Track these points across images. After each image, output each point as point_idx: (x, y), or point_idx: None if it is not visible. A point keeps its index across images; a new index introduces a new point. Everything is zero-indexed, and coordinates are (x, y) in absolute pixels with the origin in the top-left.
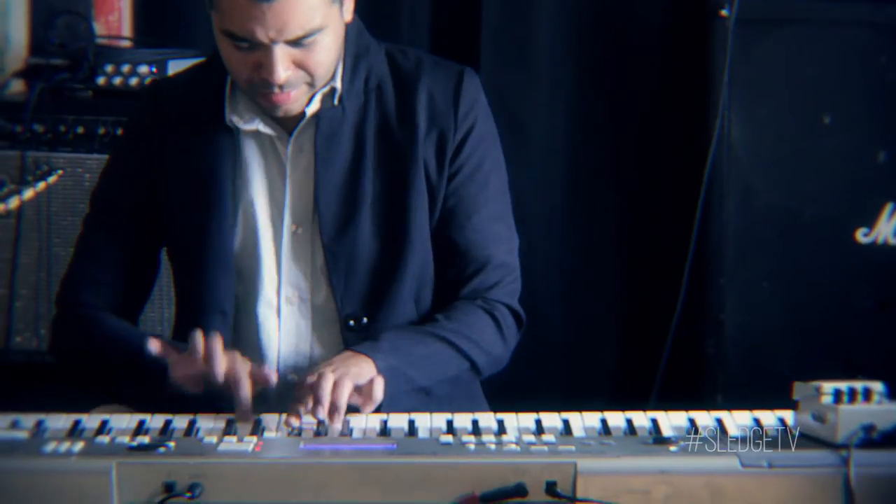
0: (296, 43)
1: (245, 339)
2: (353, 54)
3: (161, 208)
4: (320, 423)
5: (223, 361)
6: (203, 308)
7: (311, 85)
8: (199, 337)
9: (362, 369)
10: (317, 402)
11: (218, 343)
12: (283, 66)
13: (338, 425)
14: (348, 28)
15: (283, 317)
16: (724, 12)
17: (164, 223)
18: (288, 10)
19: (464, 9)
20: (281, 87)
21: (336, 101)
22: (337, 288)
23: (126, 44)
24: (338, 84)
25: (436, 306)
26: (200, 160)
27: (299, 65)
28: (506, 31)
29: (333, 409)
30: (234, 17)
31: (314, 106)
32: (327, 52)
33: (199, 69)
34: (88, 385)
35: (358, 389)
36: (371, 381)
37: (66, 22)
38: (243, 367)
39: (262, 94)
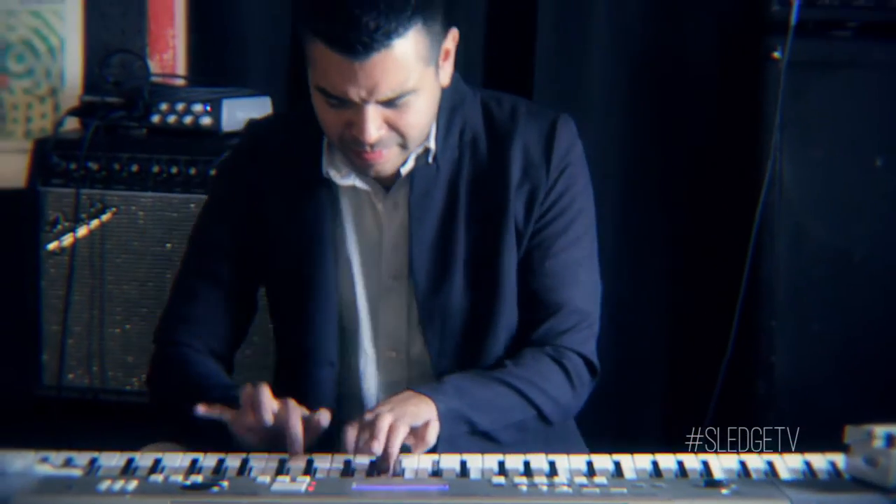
0: (388, 103)
1: (348, 390)
2: (449, 108)
3: (260, 253)
4: (372, 462)
5: (270, 408)
6: (311, 360)
7: (404, 147)
8: (245, 391)
9: (421, 410)
10: (372, 438)
11: (264, 391)
12: (374, 126)
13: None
14: (442, 92)
15: (381, 369)
16: (776, 55)
17: (264, 269)
18: (381, 70)
19: (518, 46)
20: (372, 146)
21: (430, 160)
22: (432, 343)
23: (180, 82)
24: (432, 144)
25: (510, 351)
26: (301, 211)
27: (391, 125)
28: (559, 69)
29: (387, 453)
30: (327, 74)
31: (409, 166)
32: (420, 115)
33: (297, 117)
34: (174, 425)
35: (413, 431)
36: (426, 424)
37: (120, 60)
38: (294, 411)
39: (353, 151)
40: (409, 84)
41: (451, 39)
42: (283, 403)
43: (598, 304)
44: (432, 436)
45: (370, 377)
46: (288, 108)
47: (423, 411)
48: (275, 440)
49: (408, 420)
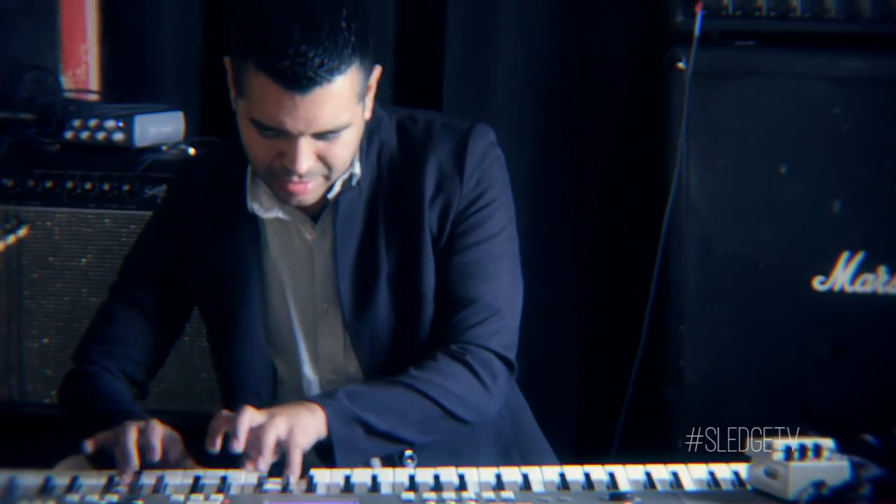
0: (321, 136)
1: None
2: (367, 132)
3: (186, 285)
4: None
5: (135, 463)
6: (238, 391)
7: (327, 178)
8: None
9: (300, 413)
10: (234, 434)
11: (130, 440)
12: (306, 157)
13: (294, 479)
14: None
15: (324, 390)
16: (681, 65)
17: (190, 298)
18: (320, 104)
19: (427, 56)
20: (301, 176)
21: (354, 183)
22: (363, 360)
23: (93, 97)
24: (357, 169)
25: (426, 352)
26: (225, 246)
27: (321, 157)
28: (467, 81)
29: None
30: (264, 107)
31: (335, 191)
32: (348, 147)
33: (223, 152)
34: (69, 436)
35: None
36: (286, 440)
37: (33, 76)
38: (130, 428)
39: (279, 181)
40: (343, 119)
41: (375, 76)
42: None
43: (514, 299)
44: (295, 455)
45: None
46: (199, 123)
47: (302, 415)
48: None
49: (282, 426)
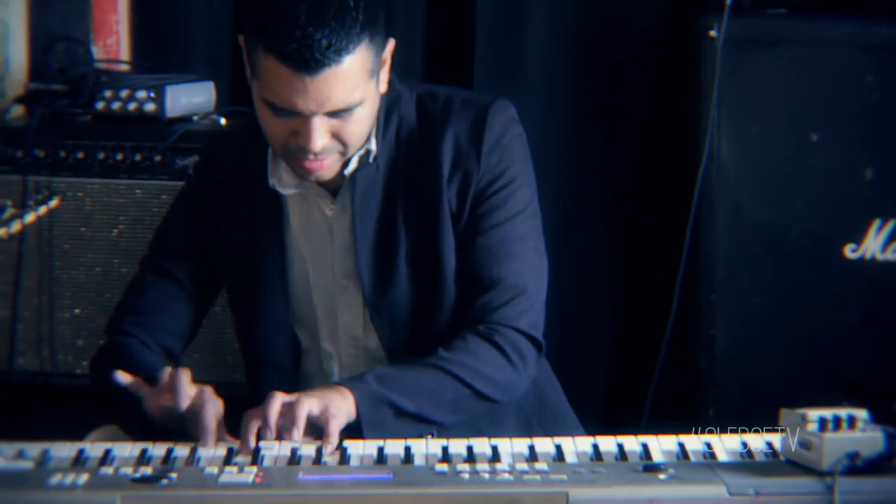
0: (334, 114)
1: (313, 386)
2: (385, 108)
3: (214, 259)
4: (319, 450)
5: (187, 393)
6: (261, 362)
7: (343, 154)
8: (166, 371)
9: (332, 396)
10: (265, 424)
11: (183, 376)
12: (320, 135)
13: (330, 449)
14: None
15: (343, 364)
16: (712, 33)
17: (218, 272)
18: (331, 84)
19: (457, 32)
20: (316, 154)
21: (371, 160)
22: (383, 336)
23: (124, 67)
24: (373, 146)
25: (452, 333)
26: (247, 223)
27: (335, 134)
28: (498, 52)
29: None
30: (276, 88)
31: (352, 167)
32: (362, 124)
33: (247, 128)
34: (101, 408)
35: (314, 420)
36: (321, 415)
37: (64, 47)
38: (209, 402)
39: (296, 159)
40: (355, 97)
41: (389, 49)
42: (200, 392)
43: (540, 279)
44: (333, 427)
45: (333, 372)
46: (230, 93)
47: (334, 398)
48: (186, 423)
49: (308, 404)
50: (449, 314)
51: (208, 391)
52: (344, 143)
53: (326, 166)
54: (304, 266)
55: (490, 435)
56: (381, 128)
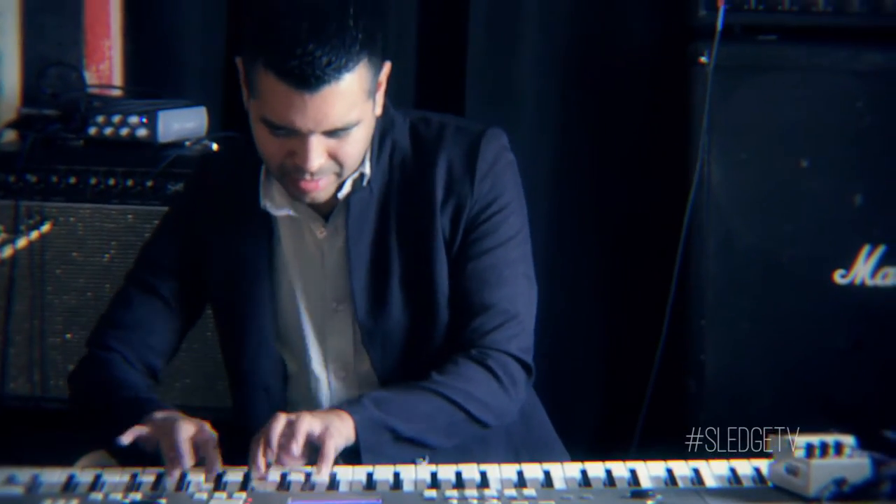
0: (331, 133)
1: (299, 409)
2: (380, 132)
3: (201, 278)
4: (307, 475)
5: (188, 452)
6: (247, 384)
7: (339, 175)
8: (163, 425)
9: (331, 419)
10: (267, 444)
11: (182, 432)
12: (316, 155)
13: (323, 477)
14: (376, 121)
15: (332, 389)
16: (703, 59)
17: (206, 293)
18: (329, 102)
19: (449, 55)
20: (312, 174)
21: (365, 184)
22: (375, 360)
23: (117, 93)
24: (367, 169)
25: (443, 357)
26: (237, 243)
27: (332, 154)
28: (489, 77)
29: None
30: (274, 106)
31: (345, 190)
32: (358, 145)
33: (240, 149)
34: (82, 426)
35: (312, 441)
36: (323, 432)
37: (57, 72)
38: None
39: (291, 179)
40: (352, 116)
41: (385, 72)
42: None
43: (530, 303)
44: (330, 446)
45: (322, 397)
46: (222, 118)
47: (333, 421)
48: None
49: (308, 424)
50: (441, 339)
51: (207, 432)
52: (340, 164)
53: (322, 187)
54: (292, 288)
55: (479, 460)
56: (375, 152)
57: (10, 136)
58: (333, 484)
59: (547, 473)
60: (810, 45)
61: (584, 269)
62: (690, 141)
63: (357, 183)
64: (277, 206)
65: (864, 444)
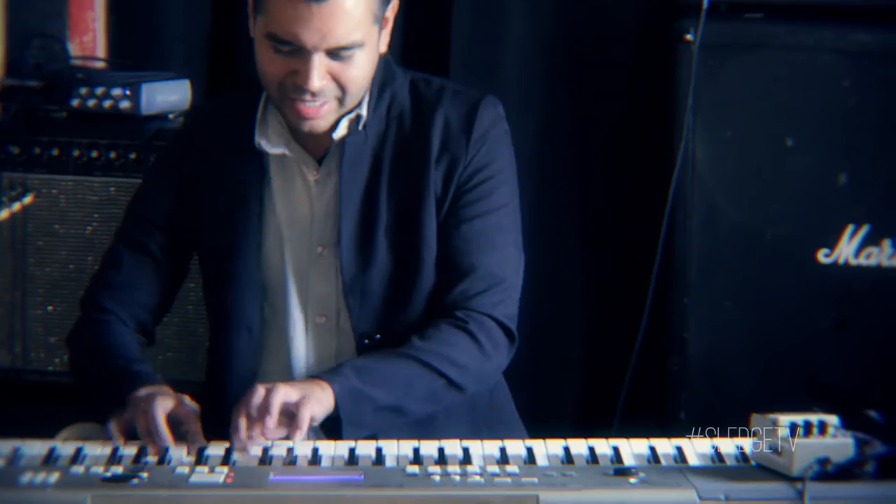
0: (335, 55)
1: (274, 356)
2: (380, 82)
3: (191, 226)
4: (289, 450)
5: (165, 435)
6: (230, 324)
7: (341, 102)
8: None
9: (311, 390)
10: (248, 416)
11: (158, 414)
12: (318, 74)
13: (297, 443)
14: (379, 58)
15: (311, 335)
16: (688, 37)
17: (194, 239)
18: (335, 16)
19: (434, 32)
20: (313, 94)
21: (361, 127)
22: (353, 308)
23: (100, 65)
24: (364, 111)
25: (426, 317)
26: (229, 181)
27: (334, 77)
28: (475, 52)
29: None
30: (280, 19)
31: (341, 131)
32: (362, 70)
33: (233, 95)
34: (79, 394)
35: (289, 415)
36: (300, 401)
37: (41, 44)
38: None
39: (291, 101)
40: (357, 36)
41: (393, 8)
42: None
43: (518, 272)
44: (304, 414)
45: (299, 345)
46: (206, 91)
47: (315, 390)
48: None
49: (284, 394)
50: (424, 301)
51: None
52: (342, 88)
53: (323, 114)
54: (278, 230)
55: (442, 432)
56: (373, 98)
57: None
58: (315, 459)
59: (529, 450)
60: (797, 24)
61: (568, 247)
62: (675, 119)
63: (353, 125)
64: (273, 145)
65: (847, 423)
